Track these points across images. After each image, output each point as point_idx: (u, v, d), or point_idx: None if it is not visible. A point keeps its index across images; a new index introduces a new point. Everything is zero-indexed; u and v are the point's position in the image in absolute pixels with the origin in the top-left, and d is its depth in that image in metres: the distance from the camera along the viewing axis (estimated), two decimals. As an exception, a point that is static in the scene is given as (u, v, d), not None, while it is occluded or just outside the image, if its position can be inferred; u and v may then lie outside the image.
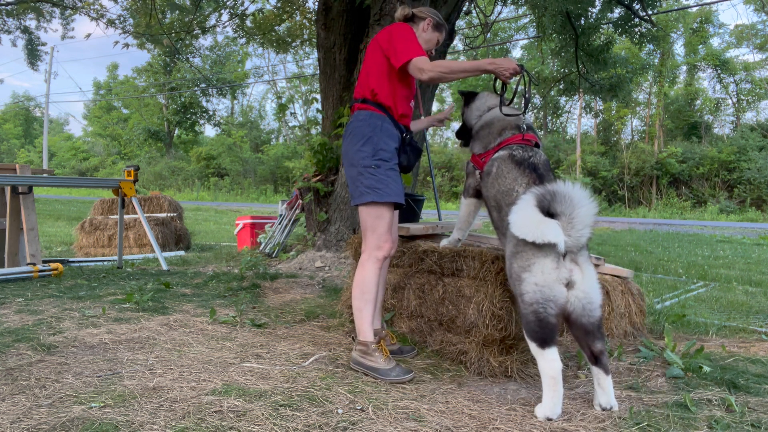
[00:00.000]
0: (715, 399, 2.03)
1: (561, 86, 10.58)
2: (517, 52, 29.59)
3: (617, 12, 7.67)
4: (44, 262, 5.11)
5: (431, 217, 10.06)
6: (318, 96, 6.19)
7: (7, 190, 5.06)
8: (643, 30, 7.60)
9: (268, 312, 3.48)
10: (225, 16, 9.23)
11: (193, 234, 9.47)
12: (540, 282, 1.89)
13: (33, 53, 12.20)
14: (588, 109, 27.99)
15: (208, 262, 5.93)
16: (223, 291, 4.13)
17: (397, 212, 2.53)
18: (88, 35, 9.30)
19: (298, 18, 8.99)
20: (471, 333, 2.46)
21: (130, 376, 2.18)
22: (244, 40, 9.45)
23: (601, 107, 27.23)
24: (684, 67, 27.26)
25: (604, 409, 1.94)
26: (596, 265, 2.68)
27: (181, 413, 1.82)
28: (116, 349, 2.54)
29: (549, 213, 1.88)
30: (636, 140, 27.02)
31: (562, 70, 9.94)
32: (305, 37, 9.30)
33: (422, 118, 2.98)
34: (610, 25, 7.87)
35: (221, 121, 36.16)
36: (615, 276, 3.04)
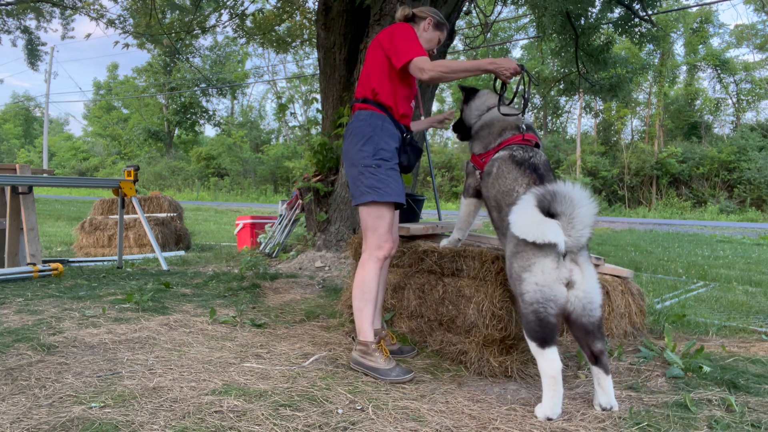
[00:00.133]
0: (715, 399, 2.03)
1: (561, 86, 10.57)
2: (517, 52, 29.63)
3: (617, 12, 7.67)
4: (44, 262, 5.11)
5: (431, 217, 10.05)
6: (318, 96, 6.19)
7: (7, 190, 5.06)
8: (643, 30, 7.60)
9: (268, 312, 3.48)
10: (225, 16, 9.24)
11: (193, 234, 9.47)
12: (540, 282, 1.89)
13: (33, 53, 12.19)
14: (588, 109, 28.01)
15: (208, 262, 5.93)
16: (223, 291, 4.13)
17: (397, 212, 2.53)
18: (88, 35, 9.30)
19: (298, 18, 8.99)
20: (471, 333, 2.46)
21: (130, 376, 2.18)
22: (244, 40, 9.45)
23: (601, 107, 27.24)
24: (684, 67, 27.30)
25: (604, 409, 1.94)
26: (596, 265, 2.68)
27: (181, 413, 1.82)
28: (116, 349, 2.55)
29: (549, 213, 1.88)
30: (636, 140, 27.02)
31: (562, 70, 9.94)
32: (305, 37, 9.29)
33: (422, 118, 2.98)
34: (610, 25, 7.87)
35: (221, 121, 36.17)
36: (615, 276, 3.04)
